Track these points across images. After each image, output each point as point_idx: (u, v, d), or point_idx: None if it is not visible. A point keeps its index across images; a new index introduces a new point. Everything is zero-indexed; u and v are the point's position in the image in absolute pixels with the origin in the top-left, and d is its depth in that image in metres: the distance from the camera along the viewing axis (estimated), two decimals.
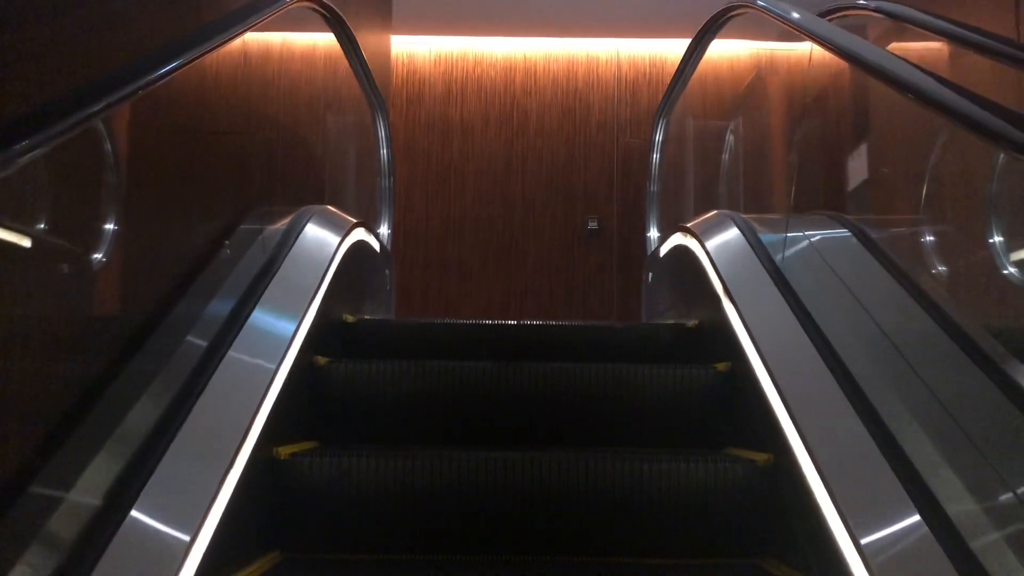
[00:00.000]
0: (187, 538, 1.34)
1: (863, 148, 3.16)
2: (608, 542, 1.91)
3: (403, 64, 6.85)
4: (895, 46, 3.11)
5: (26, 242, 1.28)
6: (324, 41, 3.39)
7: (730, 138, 4.18)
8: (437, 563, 1.83)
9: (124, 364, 1.49)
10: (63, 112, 1.14)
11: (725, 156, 4.06)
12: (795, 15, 2.37)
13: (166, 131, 1.86)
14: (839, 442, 1.60)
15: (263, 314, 1.96)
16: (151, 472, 1.38)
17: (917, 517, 1.37)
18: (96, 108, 1.22)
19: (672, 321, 3.07)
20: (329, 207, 2.92)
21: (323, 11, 3.02)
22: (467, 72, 6.90)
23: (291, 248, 2.38)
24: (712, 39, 3.57)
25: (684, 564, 1.85)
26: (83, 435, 1.32)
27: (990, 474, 1.44)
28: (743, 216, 2.83)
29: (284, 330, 1.99)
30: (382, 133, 4.05)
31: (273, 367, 1.83)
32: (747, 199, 3.92)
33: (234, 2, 2.08)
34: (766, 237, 2.67)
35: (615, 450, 2.05)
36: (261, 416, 1.70)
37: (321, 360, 2.25)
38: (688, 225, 2.99)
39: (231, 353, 1.75)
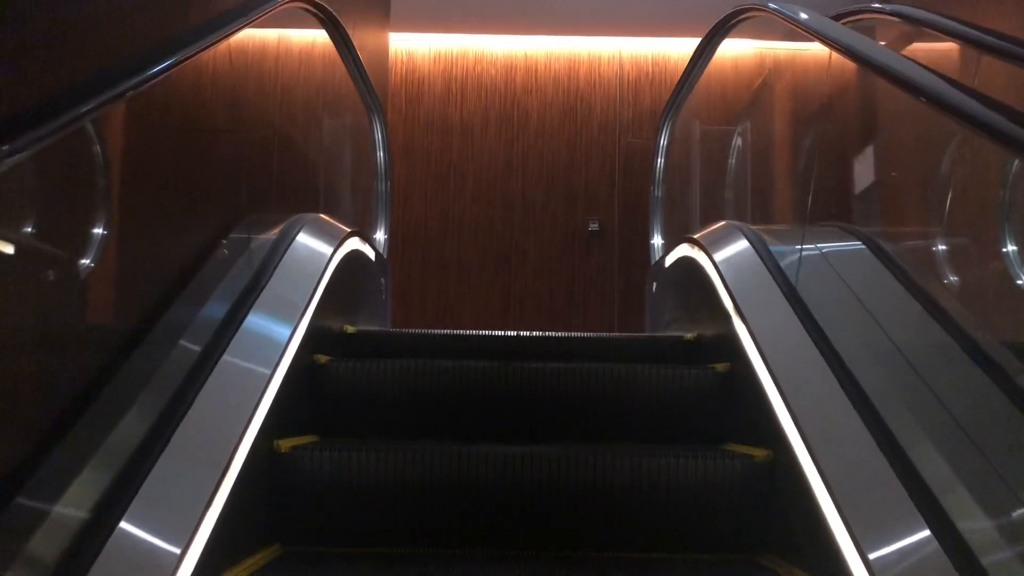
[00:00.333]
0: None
1: (877, 155, 3.05)
2: (608, 537, 1.92)
3: (402, 62, 6.75)
4: (906, 49, 3.01)
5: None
6: (308, 38, 3.27)
7: (737, 141, 4.06)
8: (437, 556, 1.83)
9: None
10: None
11: (732, 161, 3.94)
12: (809, 19, 2.26)
13: (146, 135, 1.75)
14: (878, 512, 1.47)
15: (245, 341, 1.84)
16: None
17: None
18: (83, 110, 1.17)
19: (679, 337, 2.95)
20: (321, 216, 2.81)
21: (316, 12, 2.90)
22: (467, 71, 6.80)
23: (279, 263, 2.27)
24: (721, 41, 3.45)
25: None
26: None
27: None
28: (753, 228, 2.72)
29: (261, 371, 1.85)
30: (378, 136, 3.94)
31: (248, 414, 1.70)
32: (757, 206, 3.81)
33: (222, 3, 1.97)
34: (777, 249, 2.56)
35: (615, 446, 2.08)
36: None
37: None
38: (695, 236, 2.88)
39: (206, 392, 1.62)
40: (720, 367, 2.34)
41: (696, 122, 4.10)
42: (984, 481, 1.45)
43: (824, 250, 2.51)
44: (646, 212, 4.35)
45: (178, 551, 1.30)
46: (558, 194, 6.72)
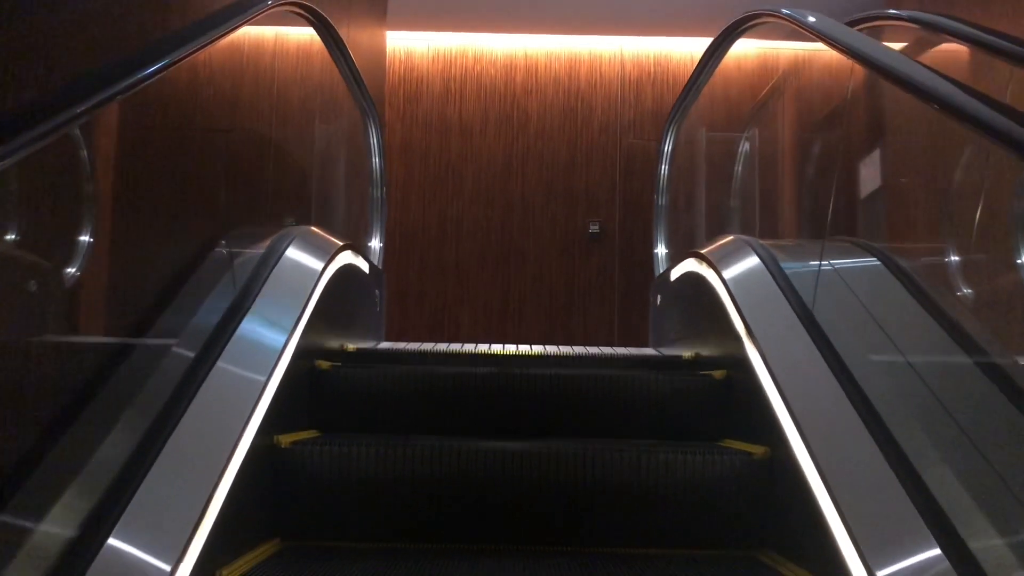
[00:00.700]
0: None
1: (903, 164, 2.92)
2: (606, 533, 1.93)
3: (400, 61, 6.64)
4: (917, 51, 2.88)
5: None
6: (302, 37, 3.14)
7: (744, 147, 3.92)
8: (437, 551, 1.84)
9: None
10: None
11: (738, 168, 3.81)
12: (828, 27, 2.13)
13: (119, 143, 1.62)
14: None
15: (225, 373, 1.70)
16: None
17: None
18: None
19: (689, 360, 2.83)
20: (312, 229, 2.68)
21: (307, 15, 2.76)
22: (466, 70, 6.69)
23: (265, 282, 2.13)
24: (730, 47, 3.32)
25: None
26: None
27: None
28: (763, 243, 2.59)
29: (241, 408, 1.72)
30: (373, 140, 3.80)
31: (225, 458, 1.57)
32: (766, 218, 3.67)
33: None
34: (788, 266, 2.43)
35: (614, 442, 2.10)
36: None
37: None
38: (703, 251, 2.75)
39: (179, 434, 1.49)
40: (718, 374, 2.32)
41: (702, 129, 3.96)
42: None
43: (838, 267, 2.39)
44: (647, 214, 4.22)
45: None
46: (558, 195, 6.62)
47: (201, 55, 1.75)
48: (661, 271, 3.89)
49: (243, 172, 2.56)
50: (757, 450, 1.95)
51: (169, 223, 1.93)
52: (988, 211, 2.32)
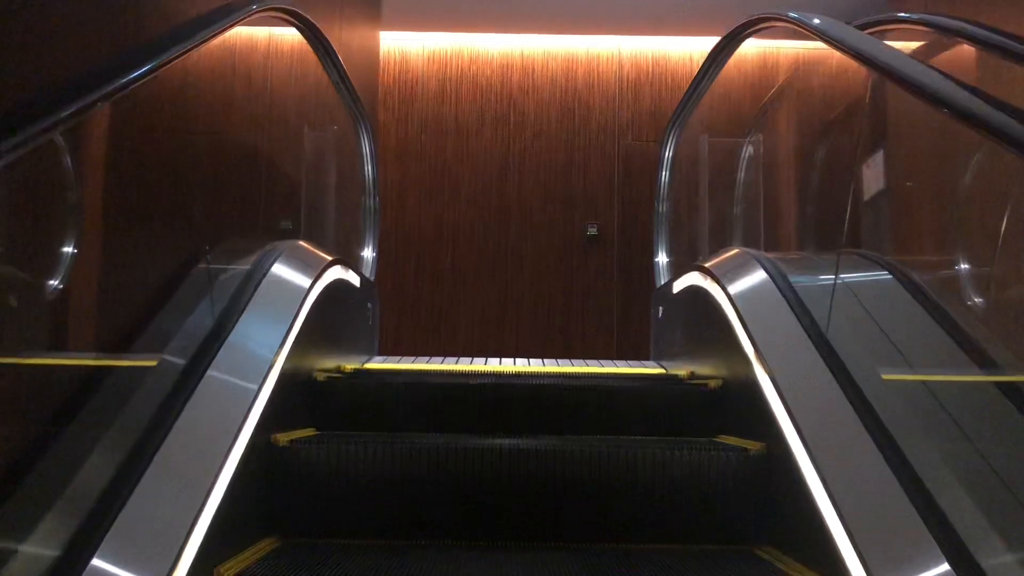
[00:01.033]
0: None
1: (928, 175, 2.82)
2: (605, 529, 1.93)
3: (395, 62, 6.53)
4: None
5: None
6: (285, 40, 3.03)
7: (748, 151, 3.81)
8: (434, 547, 1.85)
9: None
10: None
11: (741, 174, 3.70)
12: (841, 32, 2.02)
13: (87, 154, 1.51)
14: None
15: (205, 399, 1.60)
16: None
17: None
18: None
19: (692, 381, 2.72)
20: (300, 243, 2.56)
21: (296, 22, 2.65)
22: (462, 70, 6.59)
23: (249, 302, 2.02)
24: (734, 51, 3.21)
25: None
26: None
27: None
28: (770, 257, 2.49)
29: (219, 446, 1.61)
30: (366, 148, 3.68)
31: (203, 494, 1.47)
32: (772, 228, 3.56)
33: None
34: (797, 280, 2.32)
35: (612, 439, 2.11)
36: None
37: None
38: (707, 265, 2.64)
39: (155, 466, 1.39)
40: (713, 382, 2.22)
41: (704, 135, 3.85)
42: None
43: (849, 282, 2.29)
44: (646, 215, 4.12)
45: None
46: (555, 197, 6.53)
47: (179, 62, 1.65)
48: (663, 282, 3.79)
49: (230, 182, 2.45)
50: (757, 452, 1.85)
51: (137, 238, 1.82)
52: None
